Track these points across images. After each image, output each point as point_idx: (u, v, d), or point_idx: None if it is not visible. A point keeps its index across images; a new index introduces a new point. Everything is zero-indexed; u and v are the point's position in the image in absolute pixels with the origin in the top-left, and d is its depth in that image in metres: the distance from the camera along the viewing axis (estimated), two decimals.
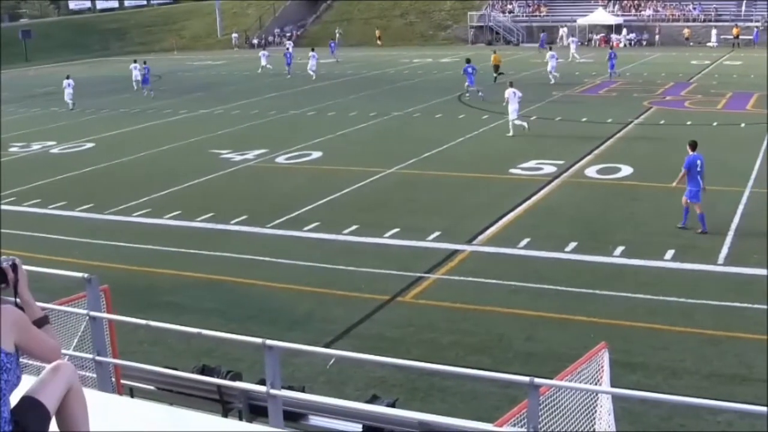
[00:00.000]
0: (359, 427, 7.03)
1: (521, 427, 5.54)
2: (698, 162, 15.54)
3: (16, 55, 71.80)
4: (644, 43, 64.35)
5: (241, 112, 34.67)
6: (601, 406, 6.39)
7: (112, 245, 16.55)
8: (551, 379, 5.97)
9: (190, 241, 16.62)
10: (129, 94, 42.71)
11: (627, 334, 11.35)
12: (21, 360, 4.41)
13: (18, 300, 4.44)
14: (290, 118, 32.72)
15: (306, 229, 17.01)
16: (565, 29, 64.37)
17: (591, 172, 21.01)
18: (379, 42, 72.41)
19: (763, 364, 10.25)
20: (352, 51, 66.48)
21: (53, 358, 4.51)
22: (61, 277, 7.16)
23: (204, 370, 8.43)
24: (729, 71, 43.75)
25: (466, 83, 35.15)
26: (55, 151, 27.91)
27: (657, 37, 63.83)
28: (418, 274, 14.12)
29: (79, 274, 6.84)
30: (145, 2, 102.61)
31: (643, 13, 67.60)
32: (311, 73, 46.75)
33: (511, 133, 26.12)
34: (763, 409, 4.80)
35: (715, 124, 27.47)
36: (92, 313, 6.67)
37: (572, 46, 53.09)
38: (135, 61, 45.68)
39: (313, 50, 49.34)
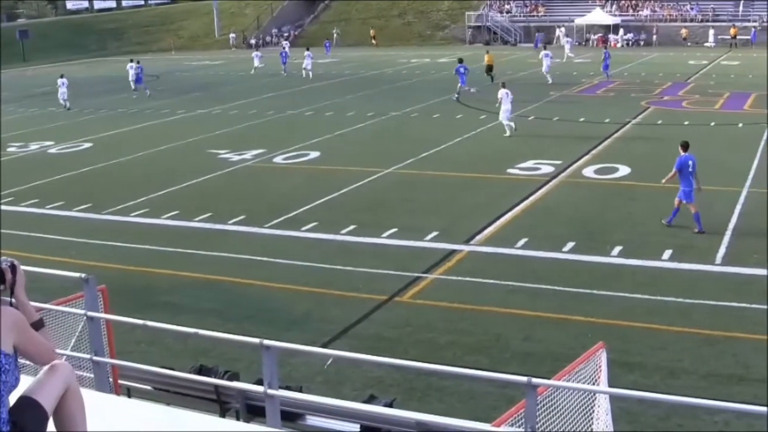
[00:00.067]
0: (357, 427, 7.03)
1: (519, 427, 5.54)
2: (690, 162, 15.57)
3: (14, 55, 71.74)
4: (642, 43, 64.41)
5: (238, 112, 34.65)
6: (599, 406, 6.40)
7: (110, 245, 16.54)
8: (549, 379, 5.97)
9: (188, 241, 16.61)
10: (126, 94, 42.69)
11: (625, 334, 11.35)
12: (19, 360, 4.41)
13: (13, 301, 4.43)
14: (288, 118, 32.71)
15: (304, 229, 17.01)
16: (563, 29, 64.40)
17: (589, 172, 21.02)
18: (373, 41, 72.45)
19: (760, 363, 10.26)
20: (350, 51, 66.51)
21: (48, 361, 4.52)
22: (58, 277, 7.15)
23: (201, 370, 8.43)
24: (726, 71, 43.79)
25: (459, 84, 35.28)
26: (52, 151, 27.88)
27: (654, 37, 63.91)
28: (416, 274, 14.12)
29: (77, 274, 6.83)
30: (142, 2, 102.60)
31: (640, 13, 67.66)
32: (305, 71, 46.96)
33: (507, 134, 26.13)
34: (761, 408, 4.80)
35: (712, 124, 27.49)
36: (89, 313, 6.67)
37: (566, 46, 53.12)
38: (132, 61, 45.64)
39: (308, 50, 49.88)
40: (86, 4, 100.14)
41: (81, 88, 44.47)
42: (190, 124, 32.13)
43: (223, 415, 7.81)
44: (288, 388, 7.17)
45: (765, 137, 24.12)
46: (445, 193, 19.54)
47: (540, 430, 5.37)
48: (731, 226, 15.95)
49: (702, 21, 64.21)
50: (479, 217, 17.25)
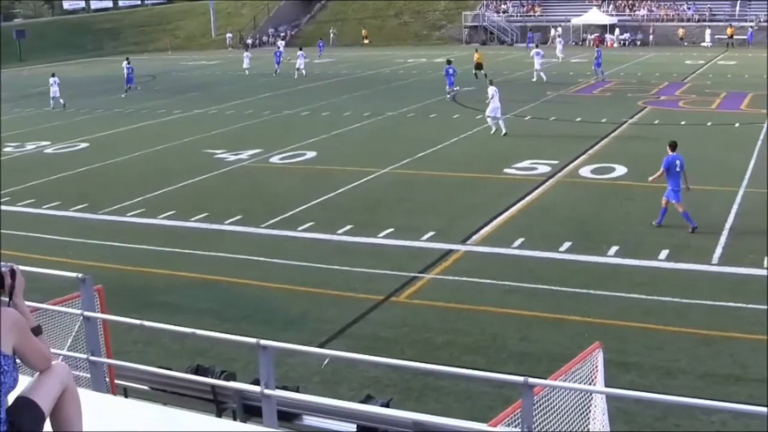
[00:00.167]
0: (353, 427, 7.04)
1: (515, 427, 5.54)
2: (677, 162, 15.63)
3: (11, 55, 71.67)
4: (638, 43, 64.46)
5: (235, 112, 34.63)
6: (596, 406, 6.40)
7: (107, 245, 16.52)
8: (545, 379, 5.97)
9: (185, 241, 16.60)
10: (123, 94, 42.61)
11: (621, 334, 11.36)
12: (17, 361, 4.40)
13: (11, 304, 4.43)
14: (284, 118, 32.70)
15: (300, 229, 17.00)
16: (559, 29, 64.44)
17: (585, 171, 21.04)
18: (366, 41, 72.45)
19: (757, 363, 10.27)
20: (346, 51, 66.50)
21: (43, 367, 4.52)
22: (55, 277, 7.14)
23: (198, 370, 8.43)
24: (723, 71, 43.85)
25: (447, 86, 35.41)
26: (49, 151, 27.84)
27: (651, 37, 63.99)
28: (413, 274, 14.11)
29: (73, 274, 6.81)
30: (139, 2, 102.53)
31: (637, 13, 67.73)
32: (297, 71, 47.19)
33: (503, 132, 26.16)
34: (758, 408, 4.80)
35: (709, 123, 27.53)
36: (86, 313, 6.66)
37: (558, 46, 53.10)
38: (127, 59, 45.51)
39: (301, 49, 50.40)
40: (83, 4, 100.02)
41: (77, 88, 44.42)
42: (186, 124, 32.11)
43: (219, 415, 7.81)
44: (285, 388, 7.18)
45: (762, 137, 24.16)
46: (441, 193, 19.54)
47: (536, 430, 5.37)
48: (728, 226, 15.97)
49: (699, 21, 64.30)
50: (476, 217, 17.25)
